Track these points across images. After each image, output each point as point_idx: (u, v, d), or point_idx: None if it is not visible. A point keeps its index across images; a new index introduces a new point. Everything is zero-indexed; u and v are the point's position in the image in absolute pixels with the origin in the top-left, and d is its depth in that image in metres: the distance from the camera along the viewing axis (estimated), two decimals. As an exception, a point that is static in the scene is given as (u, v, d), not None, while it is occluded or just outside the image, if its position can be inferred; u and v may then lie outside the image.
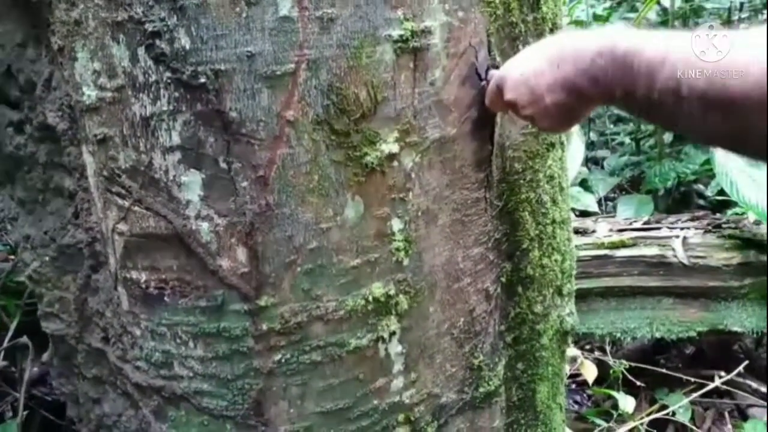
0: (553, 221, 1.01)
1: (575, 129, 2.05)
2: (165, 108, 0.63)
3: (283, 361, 0.74)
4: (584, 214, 2.40)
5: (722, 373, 1.98)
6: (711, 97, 0.53)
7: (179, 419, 0.79)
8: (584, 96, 0.65)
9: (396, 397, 0.81)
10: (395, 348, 0.80)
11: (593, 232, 2.03)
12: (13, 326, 1.42)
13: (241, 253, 0.69)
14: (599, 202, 2.74)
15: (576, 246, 1.96)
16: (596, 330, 1.91)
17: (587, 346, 2.29)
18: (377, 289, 0.76)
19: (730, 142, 0.58)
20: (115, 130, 0.66)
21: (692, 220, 2.07)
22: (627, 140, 3.30)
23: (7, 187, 0.85)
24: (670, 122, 0.61)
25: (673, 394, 1.93)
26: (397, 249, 0.76)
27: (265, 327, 0.72)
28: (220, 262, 0.69)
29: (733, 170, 1.89)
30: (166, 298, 0.72)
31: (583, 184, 2.59)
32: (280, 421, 0.76)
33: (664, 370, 1.97)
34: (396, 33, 0.68)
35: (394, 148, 0.71)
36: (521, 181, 0.93)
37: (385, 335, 0.78)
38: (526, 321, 1.01)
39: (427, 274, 0.81)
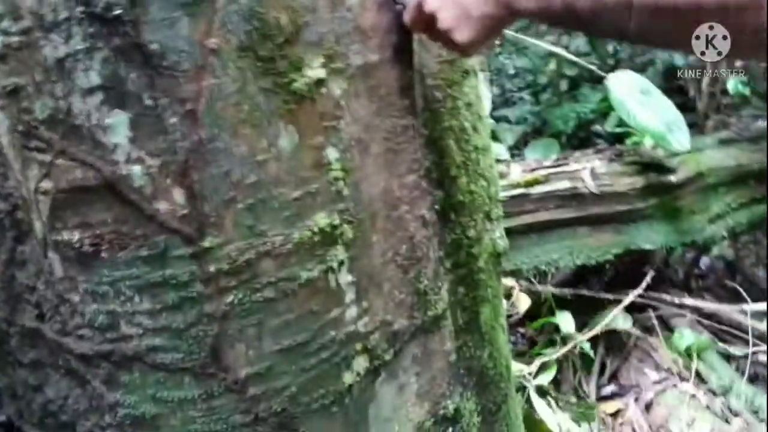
0: (476, 148, 1.05)
1: (481, 78, 2.11)
2: (80, 47, 0.60)
3: (235, 302, 0.73)
4: (496, 162, 2.50)
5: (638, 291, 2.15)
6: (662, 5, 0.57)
7: (133, 383, 0.77)
8: (517, 10, 0.67)
9: (351, 327, 0.83)
10: (345, 278, 0.81)
11: (508, 175, 2.11)
12: None
13: (178, 194, 0.67)
14: (508, 152, 2.85)
15: (494, 188, 2.03)
16: (522, 265, 2.00)
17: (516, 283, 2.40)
18: (321, 219, 0.76)
19: (679, 45, 0.63)
20: (27, 78, 0.62)
21: (596, 153, 2.21)
22: (526, 95, 3.45)
23: None
24: (614, 31, 0.64)
25: (599, 315, 2.06)
26: (336, 178, 0.77)
27: (212, 269, 0.71)
28: (157, 206, 0.67)
29: (629, 100, 2.03)
30: (103, 254, 0.69)
31: (492, 135, 2.69)
32: (239, 365, 0.76)
33: (587, 292, 2.10)
34: (309, -44, 0.68)
35: (321, 73, 0.71)
36: (442, 109, 0.96)
37: (335, 265, 0.79)
38: (462, 245, 1.05)
39: (366, 204, 0.82)
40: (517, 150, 3.15)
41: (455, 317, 1.07)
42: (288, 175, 0.72)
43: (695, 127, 2.72)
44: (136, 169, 0.65)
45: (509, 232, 2.01)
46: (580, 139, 2.80)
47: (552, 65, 2.91)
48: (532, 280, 2.05)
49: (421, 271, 0.93)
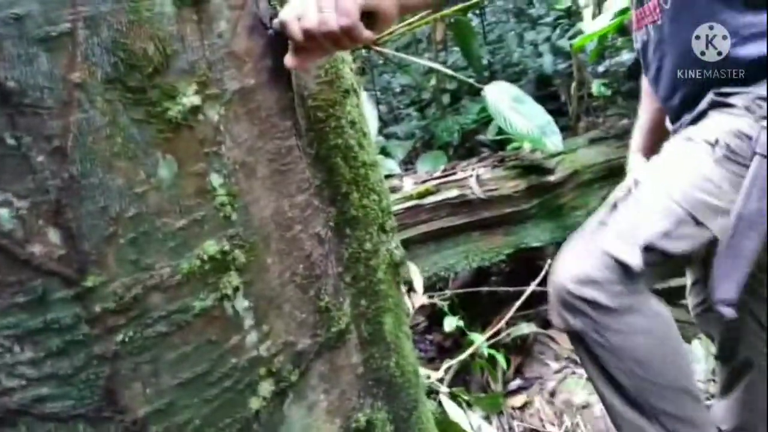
0: (365, 163, 1.07)
1: (364, 97, 2.17)
2: (-75, 88, 0.56)
3: (126, 340, 0.70)
4: (388, 177, 2.57)
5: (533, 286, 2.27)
6: None
7: (21, 439, 0.72)
8: None
9: (253, 352, 0.82)
10: (242, 303, 0.80)
11: (401, 188, 2.18)
12: None
13: (54, 235, 0.64)
14: (400, 166, 2.94)
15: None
16: (422, 274, 2.06)
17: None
18: (210, 247, 0.75)
19: None
20: None
21: (480, 161, 2.32)
22: (412, 111, 3.57)
23: None
24: None
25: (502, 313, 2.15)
26: (222, 204, 0.77)
27: (98, 309, 0.68)
28: (31, 249, 0.63)
29: (504, 109, 2.15)
30: (-26, 306, 0.65)
31: (383, 151, 2.76)
32: (137, 405, 0.73)
33: (486, 289, 2.19)
34: (171, -16, 0.68)
35: (196, 100, 0.71)
36: (327, 129, 0.98)
37: (229, 292, 0.78)
38: (360, 259, 1.07)
39: (258, 227, 0.82)
40: (409, 164, 3.25)
41: (359, 330, 1.08)
42: (170, 204, 0.71)
43: (568, 130, 2.93)
44: (4, 212, 0.62)
45: (407, 242, 2.08)
46: (466, 149, 2.93)
47: (433, 81, 3.03)
48: (433, 293, 2.11)
49: (321, 288, 0.94)
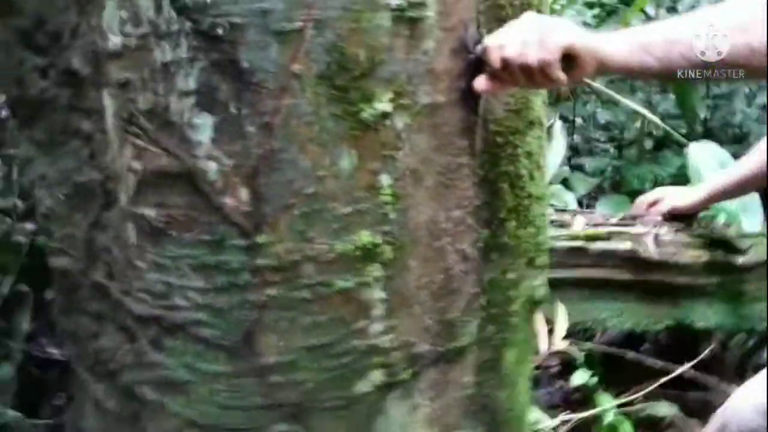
0: (530, 195, 1.09)
1: (558, 126, 2.14)
2: (184, 55, 0.70)
3: (275, 295, 0.81)
4: (561, 211, 2.50)
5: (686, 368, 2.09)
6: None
7: (176, 348, 0.86)
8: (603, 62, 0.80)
9: (374, 340, 0.89)
10: (378, 294, 0.87)
11: (570, 225, 2.12)
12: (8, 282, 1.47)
13: (244, 193, 0.76)
14: (579, 202, 2.84)
15: (553, 237, 2.05)
16: (568, 318, 2.00)
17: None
18: (365, 236, 0.83)
19: None
20: (137, 75, 0.73)
21: (666, 219, 2.17)
22: (610, 148, 3.41)
23: (26, 130, 0.91)
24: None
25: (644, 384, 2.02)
26: (385, 202, 0.84)
27: (260, 263, 0.79)
28: (224, 200, 0.76)
29: (706, 172, 1.99)
30: (172, 232, 0.79)
31: (564, 183, 2.69)
32: (269, 353, 0.84)
33: (634, 355, 2.06)
34: (394, 2, 0.76)
35: (388, 107, 0.79)
36: (502, 154, 1.01)
37: (370, 280, 0.86)
38: (499, 286, 1.09)
39: (411, 230, 0.88)
40: (590, 201, 3.12)
41: (480, 353, 1.11)
42: (342, 192, 0.80)
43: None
44: (213, 165, 0.75)
45: (561, 282, 2.02)
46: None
47: (638, 123, 2.88)
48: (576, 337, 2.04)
49: (452, 302, 0.99)
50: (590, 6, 3.10)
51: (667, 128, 1.94)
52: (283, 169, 0.75)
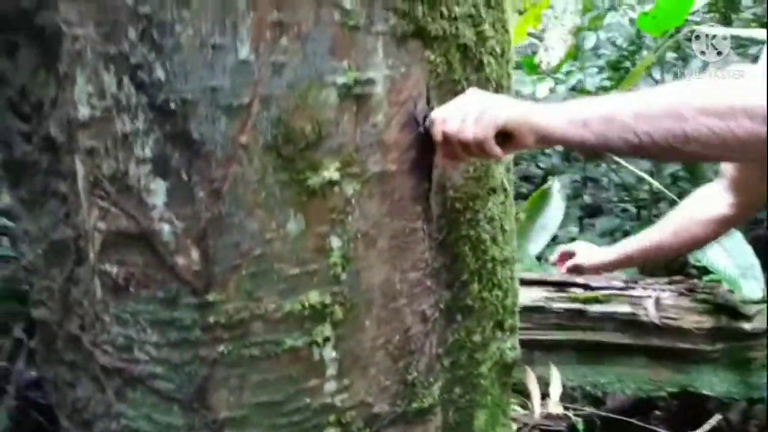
0: (494, 258, 1.11)
1: (556, 189, 2.16)
2: (141, 127, 0.77)
3: (225, 352, 0.85)
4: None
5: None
6: None
7: (136, 400, 0.90)
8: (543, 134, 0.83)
9: (327, 399, 0.91)
10: (329, 353, 0.90)
11: (570, 286, 2.11)
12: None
13: (195, 254, 0.81)
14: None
15: (550, 298, 2.04)
16: (567, 382, 1.96)
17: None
18: (314, 296, 0.87)
19: None
20: (102, 143, 0.80)
21: (669, 283, 2.14)
22: (622, 210, 3.39)
23: (14, 190, 0.99)
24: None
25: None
26: (335, 264, 0.88)
27: (211, 320, 0.83)
28: (177, 260, 0.81)
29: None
30: (131, 289, 0.85)
31: (572, 242, 2.68)
32: (220, 408, 0.87)
33: (638, 423, 2.00)
34: (340, 80, 0.82)
35: (335, 175, 0.84)
36: (461, 219, 1.05)
37: (319, 340, 0.89)
38: (464, 348, 1.10)
39: (363, 291, 0.92)
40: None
41: (446, 415, 1.11)
42: (290, 254, 0.84)
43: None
44: (166, 227, 0.80)
45: (559, 345, 2.00)
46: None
47: (646, 187, 2.88)
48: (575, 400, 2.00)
49: (412, 362, 1.00)
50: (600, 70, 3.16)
51: (671, 195, 1.95)
52: (231, 232, 0.81)
